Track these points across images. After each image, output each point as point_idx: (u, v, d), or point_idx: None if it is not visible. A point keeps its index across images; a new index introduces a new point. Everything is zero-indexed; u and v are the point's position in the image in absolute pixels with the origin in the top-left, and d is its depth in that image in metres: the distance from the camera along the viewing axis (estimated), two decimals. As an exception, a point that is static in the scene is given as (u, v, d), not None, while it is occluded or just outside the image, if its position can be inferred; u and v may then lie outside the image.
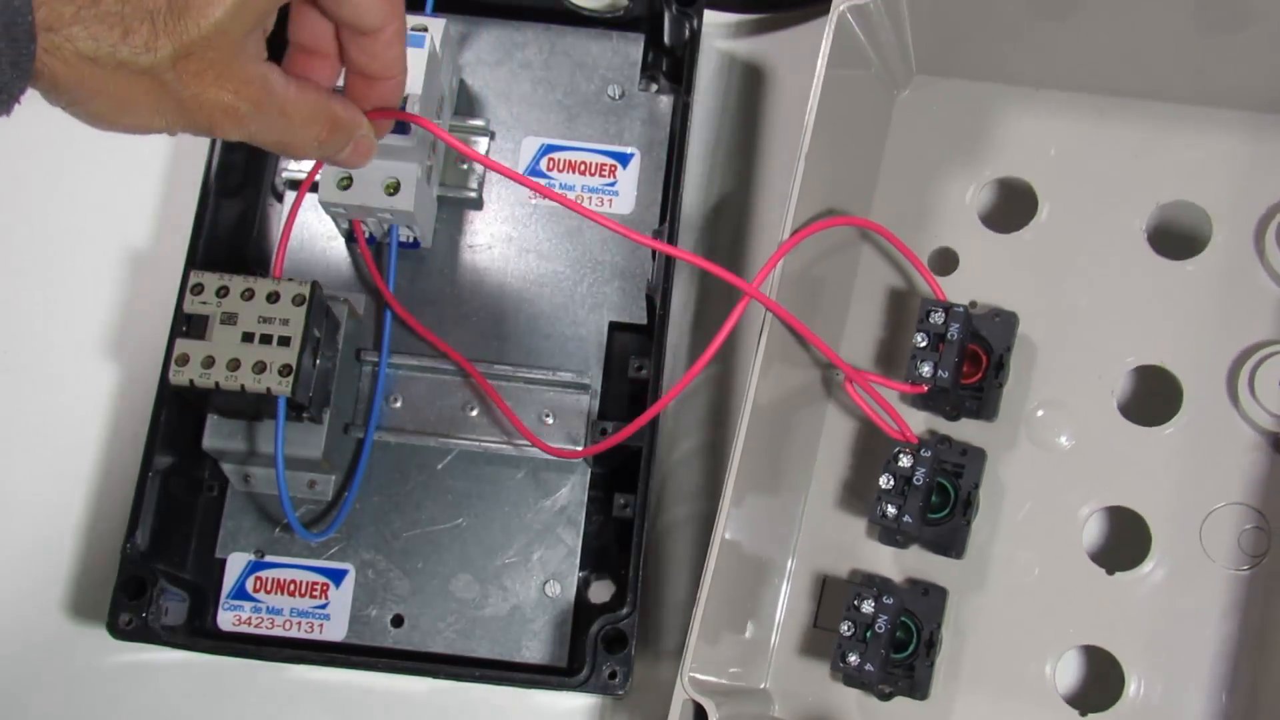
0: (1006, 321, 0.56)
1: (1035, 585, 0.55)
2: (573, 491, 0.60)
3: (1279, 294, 0.56)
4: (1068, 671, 0.55)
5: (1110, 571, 0.55)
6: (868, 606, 0.52)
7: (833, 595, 0.57)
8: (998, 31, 0.58)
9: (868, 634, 0.52)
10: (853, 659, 0.52)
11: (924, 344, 0.54)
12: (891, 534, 0.55)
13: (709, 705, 0.50)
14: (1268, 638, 0.53)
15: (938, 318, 0.54)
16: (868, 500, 0.55)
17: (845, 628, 0.52)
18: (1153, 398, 0.57)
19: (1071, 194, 0.59)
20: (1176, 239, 0.58)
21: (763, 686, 0.57)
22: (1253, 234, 0.57)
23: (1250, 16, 0.54)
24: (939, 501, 0.55)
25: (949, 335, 0.54)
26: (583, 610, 0.59)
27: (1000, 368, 0.56)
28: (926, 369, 0.54)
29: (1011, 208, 0.60)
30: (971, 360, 0.56)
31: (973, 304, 0.58)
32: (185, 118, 0.41)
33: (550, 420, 0.59)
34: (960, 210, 0.60)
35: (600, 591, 0.59)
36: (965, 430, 0.57)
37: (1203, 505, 0.55)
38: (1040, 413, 0.57)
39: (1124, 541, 0.56)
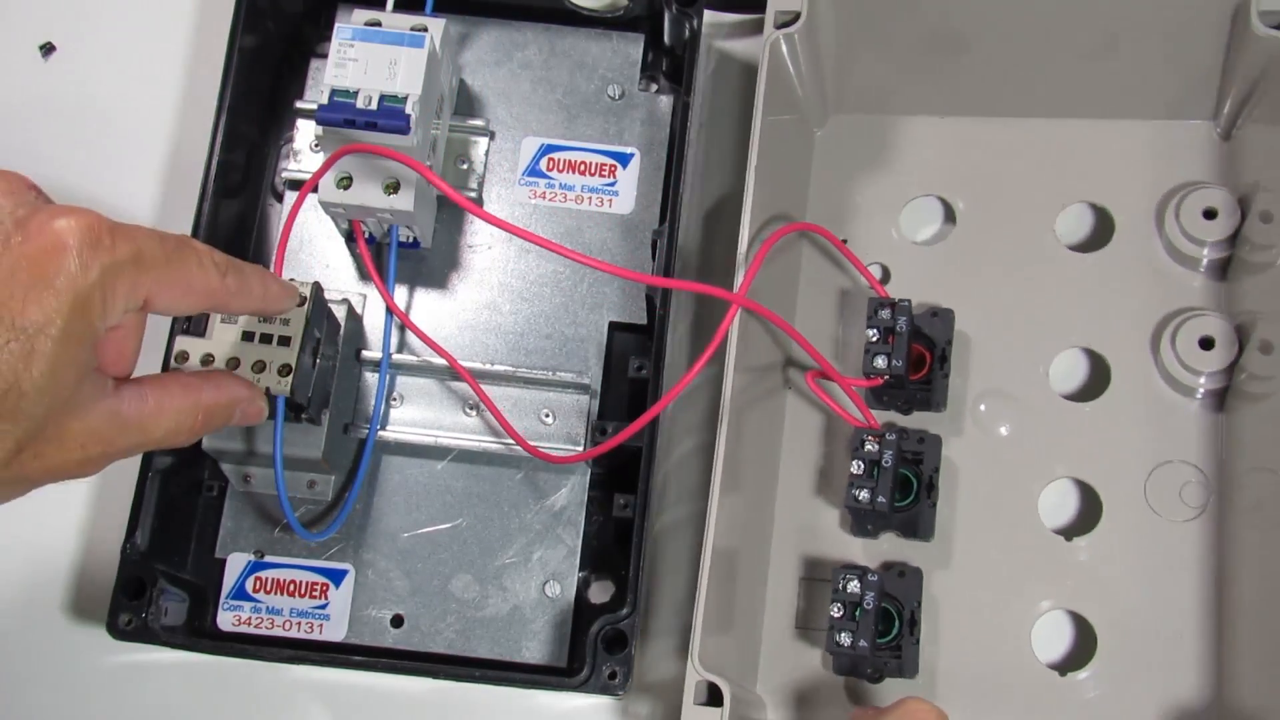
0: (944, 318, 0.60)
1: (1001, 558, 0.58)
2: (572, 492, 0.60)
3: (1181, 271, 0.61)
4: (1043, 636, 0.57)
5: (1069, 538, 0.58)
6: (853, 586, 0.54)
7: (812, 595, 0.58)
8: (898, 69, 0.63)
9: (857, 613, 0.53)
10: (845, 639, 0.53)
11: (876, 338, 0.57)
12: (864, 522, 0.58)
13: (723, 685, 0.50)
14: (1218, 577, 0.56)
15: (885, 313, 0.57)
16: (838, 491, 0.58)
17: (835, 609, 0.54)
18: (1085, 376, 0.61)
19: (986, 206, 0.63)
20: (1085, 234, 0.63)
21: (755, 686, 0.57)
22: (1153, 220, 0.61)
23: (1116, 41, 0.60)
24: (901, 492, 0.57)
25: (898, 328, 0.57)
26: (583, 610, 0.59)
27: (944, 360, 0.59)
28: (881, 361, 0.57)
29: (933, 222, 0.64)
30: (916, 362, 0.59)
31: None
32: (47, 481, 0.42)
33: (550, 420, 0.59)
34: (885, 229, 0.64)
35: (600, 591, 0.60)
36: (918, 422, 0.60)
37: (1144, 467, 0.58)
38: (983, 405, 0.60)
39: (1078, 509, 0.59)
